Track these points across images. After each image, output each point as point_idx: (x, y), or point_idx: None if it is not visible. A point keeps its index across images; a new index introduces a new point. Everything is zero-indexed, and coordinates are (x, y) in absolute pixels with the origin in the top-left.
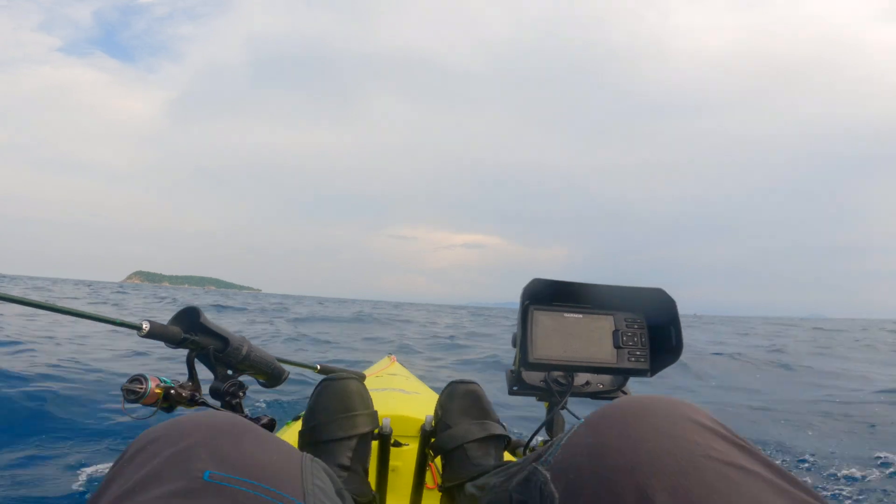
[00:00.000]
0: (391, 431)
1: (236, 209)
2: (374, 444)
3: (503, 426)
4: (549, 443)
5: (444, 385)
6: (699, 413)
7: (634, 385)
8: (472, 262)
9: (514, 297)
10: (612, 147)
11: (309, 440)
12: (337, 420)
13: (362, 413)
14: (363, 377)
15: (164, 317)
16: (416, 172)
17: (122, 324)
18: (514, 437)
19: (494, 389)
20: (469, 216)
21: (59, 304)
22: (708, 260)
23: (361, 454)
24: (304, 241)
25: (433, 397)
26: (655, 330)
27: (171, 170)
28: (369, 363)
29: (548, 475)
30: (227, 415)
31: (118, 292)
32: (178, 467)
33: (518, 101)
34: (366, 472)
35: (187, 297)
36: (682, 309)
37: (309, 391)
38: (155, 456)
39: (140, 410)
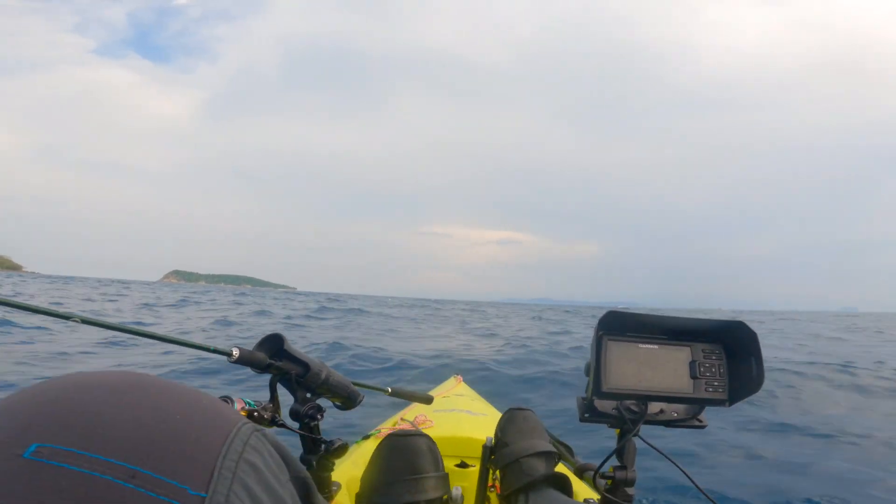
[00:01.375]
0: (462, 499)
1: (270, 208)
2: None
3: (567, 446)
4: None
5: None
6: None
7: (710, 413)
8: (506, 259)
9: (548, 294)
10: (642, 143)
11: (369, 501)
12: (402, 482)
13: (432, 476)
14: (431, 399)
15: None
16: (447, 170)
17: (214, 350)
18: (582, 462)
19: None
20: (501, 213)
21: (159, 332)
22: (739, 254)
23: None
24: (337, 239)
25: (498, 418)
26: (734, 361)
27: (206, 170)
28: (437, 383)
29: None
30: (127, 372)
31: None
32: (2, 439)
33: (547, 98)
34: None
35: (223, 297)
36: (715, 304)
37: (379, 412)
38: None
39: None
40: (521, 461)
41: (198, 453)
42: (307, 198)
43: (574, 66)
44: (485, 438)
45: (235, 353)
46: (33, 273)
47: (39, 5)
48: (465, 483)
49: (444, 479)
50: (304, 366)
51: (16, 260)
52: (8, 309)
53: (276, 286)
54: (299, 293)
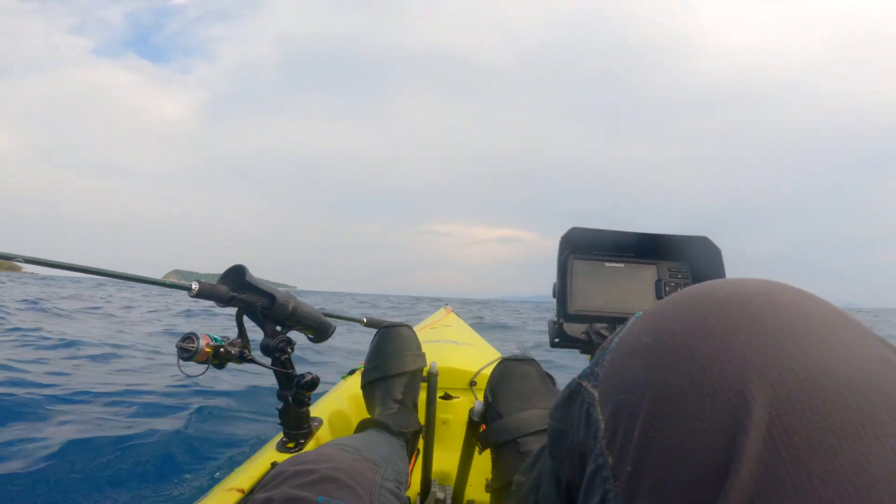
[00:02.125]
0: (437, 373)
1: (270, 207)
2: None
3: (550, 377)
4: (601, 349)
5: (497, 342)
6: (822, 305)
7: None
8: (507, 257)
9: (548, 291)
10: (643, 141)
11: (368, 378)
12: (390, 360)
13: (411, 353)
14: (410, 327)
15: None
16: (448, 169)
17: (172, 285)
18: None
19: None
20: (502, 211)
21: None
22: (742, 252)
23: (411, 390)
24: (338, 238)
25: (486, 348)
26: (700, 279)
27: (205, 169)
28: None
29: (595, 395)
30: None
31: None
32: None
33: (549, 97)
34: (415, 406)
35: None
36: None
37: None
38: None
39: (193, 367)
40: (518, 442)
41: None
42: (308, 197)
43: (576, 66)
44: (466, 368)
45: (195, 286)
46: (32, 274)
47: (37, 6)
48: (449, 415)
49: (422, 356)
50: (270, 297)
51: (15, 260)
52: None
53: (276, 285)
54: (301, 291)
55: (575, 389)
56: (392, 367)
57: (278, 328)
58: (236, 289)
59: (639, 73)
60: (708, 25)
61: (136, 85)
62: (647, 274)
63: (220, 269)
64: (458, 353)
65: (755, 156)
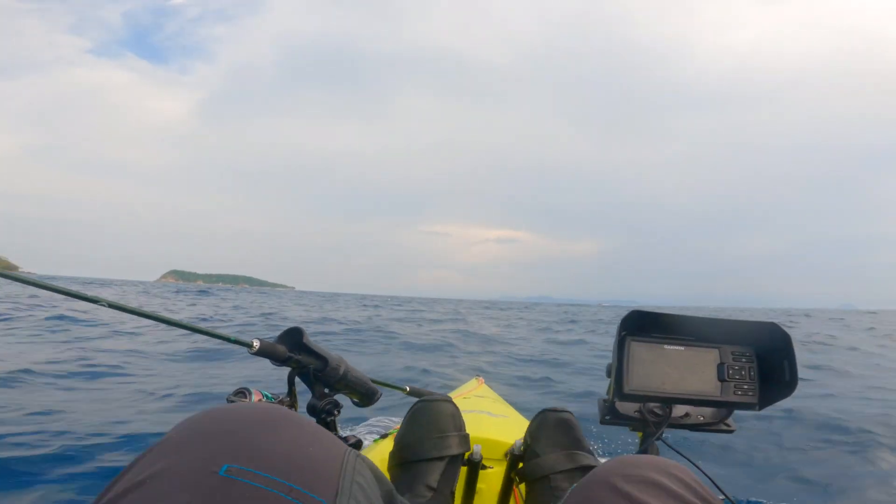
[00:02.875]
0: (481, 458)
1: (268, 207)
2: (463, 469)
3: (594, 456)
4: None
5: (532, 411)
6: (675, 476)
7: (740, 416)
8: (505, 257)
9: (546, 291)
10: (641, 141)
11: (399, 460)
12: (429, 440)
13: (454, 435)
14: (452, 401)
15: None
16: (447, 169)
17: (235, 341)
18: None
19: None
20: (501, 211)
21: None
22: (738, 252)
23: (449, 477)
24: (336, 238)
25: (520, 421)
26: (766, 363)
27: (204, 169)
28: (458, 383)
29: None
30: (271, 406)
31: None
32: (198, 459)
33: (547, 98)
34: (452, 494)
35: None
36: (714, 302)
37: (395, 413)
38: (181, 446)
39: None
40: (551, 478)
41: (326, 473)
42: (306, 197)
43: (575, 66)
44: (505, 439)
45: (256, 344)
46: (29, 273)
47: (34, 6)
48: (483, 485)
49: (465, 438)
50: (323, 360)
51: (12, 260)
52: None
53: (274, 285)
54: (299, 292)
55: None
56: (430, 448)
57: (326, 390)
58: (293, 349)
59: (637, 74)
60: (706, 27)
61: (134, 84)
62: (708, 357)
63: (219, 269)
64: (493, 423)
65: (753, 155)
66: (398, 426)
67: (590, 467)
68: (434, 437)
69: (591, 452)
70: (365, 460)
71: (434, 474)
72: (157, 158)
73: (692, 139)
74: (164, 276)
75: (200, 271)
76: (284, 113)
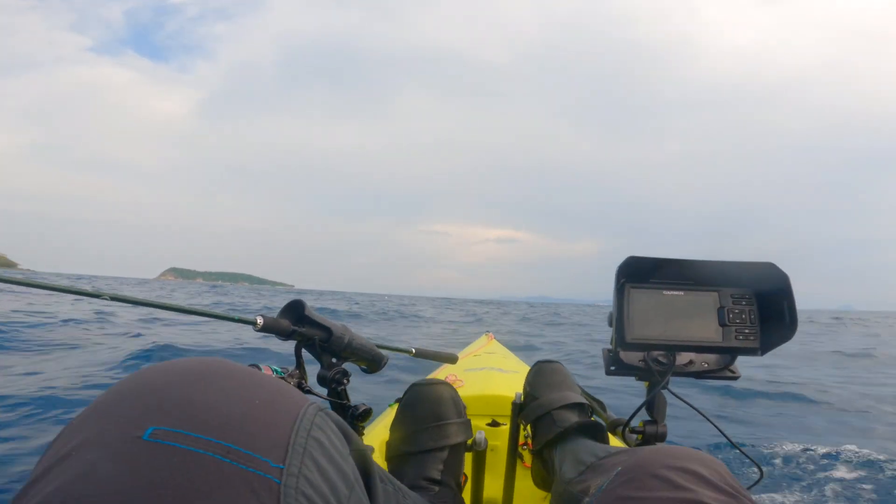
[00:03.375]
0: (486, 446)
1: (269, 206)
2: (468, 456)
3: (599, 402)
4: (605, 477)
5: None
6: (715, 469)
7: (743, 362)
8: (505, 257)
9: (546, 291)
10: (642, 141)
11: (396, 451)
12: (427, 429)
13: (454, 422)
14: (456, 358)
15: None
16: (447, 169)
17: (239, 320)
18: (614, 416)
19: (582, 369)
20: (501, 211)
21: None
22: (737, 253)
23: (454, 467)
24: (336, 237)
25: None
26: (766, 306)
27: (204, 168)
28: (467, 339)
29: None
30: (209, 359)
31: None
32: (121, 425)
33: (548, 98)
34: (459, 486)
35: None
36: None
37: (405, 376)
38: (106, 411)
39: None
40: (552, 413)
41: (274, 431)
42: (307, 196)
43: (575, 66)
44: (513, 396)
45: (260, 321)
46: (28, 271)
47: (36, 3)
48: (497, 441)
49: (467, 424)
50: (327, 330)
51: (11, 258)
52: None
53: (274, 284)
54: (298, 290)
55: None
56: (428, 439)
57: (334, 360)
58: (296, 322)
59: (638, 73)
60: (708, 26)
61: (135, 83)
62: (708, 301)
63: (219, 267)
64: (504, 379)
65: (753, 156)
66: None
67: (580, 404)
68: (432, 425)
69: (582, 393)
70: (330, 414)
71: (437, 466)
72: (157, 157)
73: (692, 140)
74: (163, 274)
75: (200, 269)
76: (285, 112)
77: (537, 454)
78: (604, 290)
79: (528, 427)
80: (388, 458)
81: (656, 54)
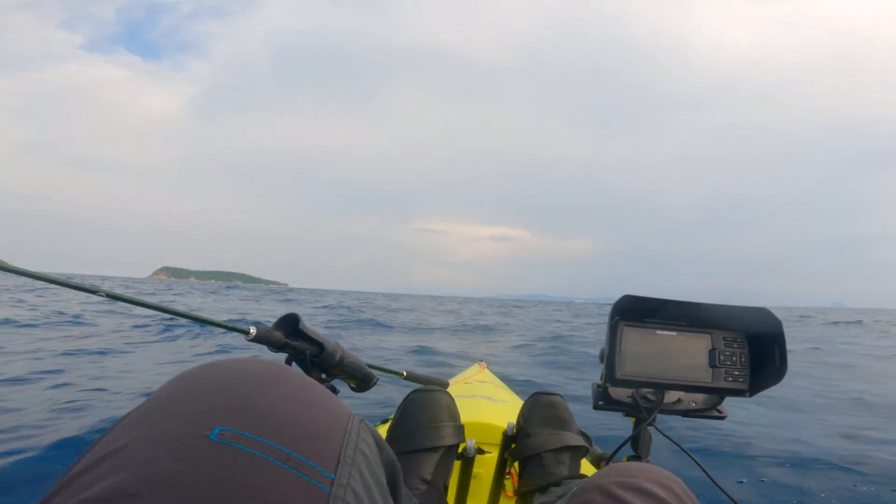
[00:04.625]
0: (476, 454)
1: (263, 204)
2: (457, 464)
3: (586, 436)
4: (563, 499)
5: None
6: (666, 486)
7: (731, 403)
8: (500, 255)
9: (541, 289)
10: (637, 139)
11: (393, 450)
12: (422, 430)
13: (448, 424)
14: (446, 385)
15: None
16: (442, 167)
17: (232, 328)
18: (599, 451)
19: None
20: (496, 209)
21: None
22: (730, 251)
23: (443, 470)
24: (331, 235)
25: (519, 406)
26: (757, 350)
27: (197, 166)
28: (459, 368)
29: None
30: (270, 362)
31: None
32: (186, 421)
33: (542, 96)
34: (445, 489)
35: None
36: (705, 299)
37: (395, 396)
38: (168, 406)
39: None
40: (542, 456)
41: (329, 441)
42: (301, 194)
43: (571, 64)
44: (504, 425)
45: (253, 331)
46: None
47: (27, 0)
48: (480, 469)
49: (460, 429)
50: (319, 346)
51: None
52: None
53: (267, 283)
54: (293, 289)
55: None
56: (423, 439)
57: (323, 376)
58: (289, 335)
59: (634, 72)
60: (702, 25)
61: (126, 80)
62: (700, 343)
63: (212, 266)
64: (492, 408)
65: (746, 155)
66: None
67: (576, 447)
68: (428, 426)
69: (579, 433)
70: (368, 426)
71: (428, 466)
72: (149, 155)
73: (687, 138)
74: (155, 273)
75: (193, 268)
76: (279, 109)
77: (520, 496)
78: (600, 289)
79: (517, 464)
80: None
81: (651, 54)
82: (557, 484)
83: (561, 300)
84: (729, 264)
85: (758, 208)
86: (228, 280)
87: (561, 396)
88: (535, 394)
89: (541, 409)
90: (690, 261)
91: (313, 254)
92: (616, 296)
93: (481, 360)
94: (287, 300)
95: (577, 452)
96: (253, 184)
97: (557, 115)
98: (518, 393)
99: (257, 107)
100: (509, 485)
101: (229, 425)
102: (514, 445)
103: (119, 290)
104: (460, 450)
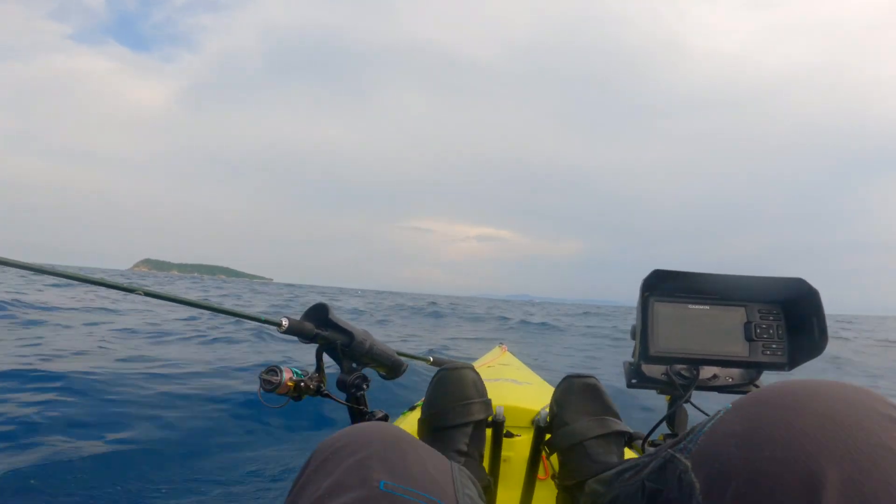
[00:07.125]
0: (504, 419)
1: (249, 198)
2: (489, 431)
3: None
4: (690, 430)
5: (555, 375)
6: (878, 400)
7: (768, 378)
8: (487, 255)
9: (527, 290)
10: (626, 143)
11: (428, 427)
12: (454, 408)
13: (477, 401)
14: (473, 369)
15: None
16: (431, 165)
17: (265, 321)
18: (631, 431)
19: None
20: (484, 209)
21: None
22: (721, 256)
23: (477, 441)
24: (317, 231)
25: (545, 387)
26: (794, 322)
27: (183, 159)
28: (481, 352)
29: (688, 463)
30: (394, 428)
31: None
32: (359, 476)
33: (534, 97)
34: (481, 457)
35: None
36: None
37: (422, 384)
38: (339, 465)
39: (272, 398)
40: (585, 444)
41: (448, 487)
42: (287, 189)
43: (563, 67)
44: (531, 406)
45: (285, 323)
46: None
47: None
48: (510, 453)
49: (488, 403)
50: (349, 335)
51: None
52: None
53: (251, 277)
54: (273, 284)
55: (668, 459)
56: (456, 416)
57: (354, 365)
58: (319, 326)
59: (626, 75)
60: (697, 30)
61: (116, 72)
62: (735, 316)
63: (195, 259)
64: (518, 391)
65: (738, 158)
66: (422, 399)
67: (622, 432)
68: (458, 404)
69: (619, 416)
70: (462, 470)
71: (463, 439)
72: (135, 146)
73: (678, 142)
74: (137, 265)
75: (175, 261)
76: (268, 104)
77: (565, 489)
78: (587, 290)
79: (554, 455)
80: (421, 435)
81: (643, 57)
82: (610, 469)
83: (548, 301)
84: (717, 267)
85: (746, 212)
86: (211, 273)
87: (596, 378)
88: (568, 377)
89: (577, 393)
90: (678, 265)
91: (299, 249)
92: (605, 298)
93: (502, 343)
94: (257, 292)
95: (622, 438)
96: (239, 177)
97: (549, 117)
98: (540, 373)
99: (247, 100)
100: (541, 470)
101: (391, 479)
102: (548, 436)
103: (158, 288)
104: (490, 419)
